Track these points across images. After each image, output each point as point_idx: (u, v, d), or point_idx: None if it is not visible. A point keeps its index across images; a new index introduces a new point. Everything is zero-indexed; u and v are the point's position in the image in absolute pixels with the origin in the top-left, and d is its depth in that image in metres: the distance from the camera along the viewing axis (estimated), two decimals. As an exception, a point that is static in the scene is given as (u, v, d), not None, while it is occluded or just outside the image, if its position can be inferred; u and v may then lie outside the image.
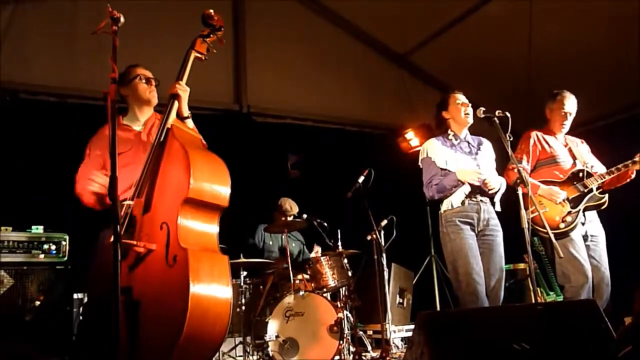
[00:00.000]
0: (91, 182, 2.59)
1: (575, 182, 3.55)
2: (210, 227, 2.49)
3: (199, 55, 2.76)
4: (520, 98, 5.37)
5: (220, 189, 2.50)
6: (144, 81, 2.86)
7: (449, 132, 3.53)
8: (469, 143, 3.52)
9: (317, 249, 5.18)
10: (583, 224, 3.47)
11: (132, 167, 2.63)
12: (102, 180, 2.57)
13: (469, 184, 3.31)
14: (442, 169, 3.39)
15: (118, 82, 2.70)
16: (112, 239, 1.94)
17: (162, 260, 2.31)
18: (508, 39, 5.57)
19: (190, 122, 2.76)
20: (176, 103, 2.67)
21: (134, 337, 2.22)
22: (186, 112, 2.74)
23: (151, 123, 2.90)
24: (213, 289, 2.30)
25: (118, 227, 1.97)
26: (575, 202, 3.49)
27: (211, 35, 2.78)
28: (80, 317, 3.77)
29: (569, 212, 3.45)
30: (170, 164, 2.51)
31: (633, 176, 3.51)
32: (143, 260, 2.38)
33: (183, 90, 2.68)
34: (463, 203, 3.32)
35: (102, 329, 2.28)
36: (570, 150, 3.70)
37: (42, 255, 3.89)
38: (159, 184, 2.50)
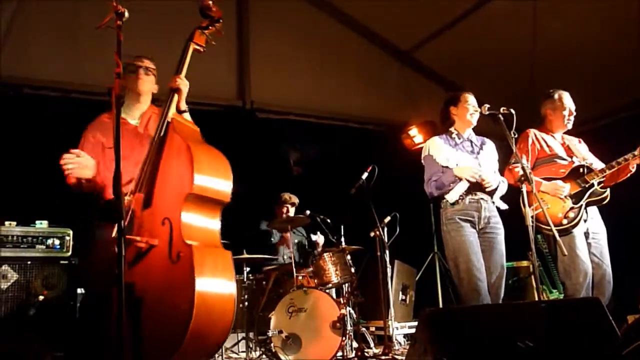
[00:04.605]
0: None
1: (576, 178, 3.52)
2: (212, 223, 2.47)
3: (198, 47, 2.73)
4: (524, 95, 5.35)
5: (223, 184, 2.48)
6: (139, 71, 2.81)
7: (453, 130, 3.54)
8: (471, 142, 3.53)
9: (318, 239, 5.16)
10: (585, 221, 3.45)
11: (127, 161, 2.56)
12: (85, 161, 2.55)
13: (467, 180, 3.31)
14: (442, 167, 3.40)
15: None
16: (113, 234, 1.92)
17: (164, 256, 2.29)
18: (511, 36, 5.55)
19: (187, 116, 2.73)
20: (176, 97, 2.65)
21: (136, 334, 2.20)
22: (184, 106, 2.71)
23: (148, 116, 2.86)
24: (218, 285, 2.28)
25: (122, 222, 1.92)
26: (576, 197, 3.47)
27: (210, 27, 2.74)
28: (78, 314, 3.76)
29: (571, 208, 3.43)
30: (171, 158, 2.47)
31: (633, 170, 3.47)
32: (144, 257, 2.35)
33: (184, 84, 2.67)
34: (462, 200, 3.32)
35: (101, 326, 2.28)
36: (568, 148, 3.68)
37: (46, 250, 3.90)
38: (159, 178, 2.47)
